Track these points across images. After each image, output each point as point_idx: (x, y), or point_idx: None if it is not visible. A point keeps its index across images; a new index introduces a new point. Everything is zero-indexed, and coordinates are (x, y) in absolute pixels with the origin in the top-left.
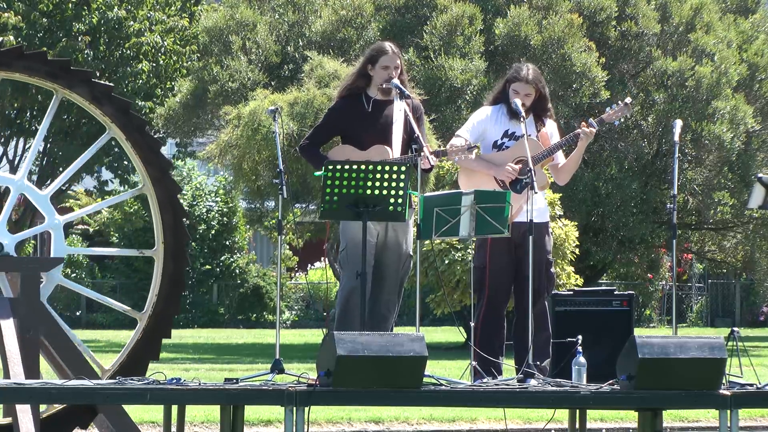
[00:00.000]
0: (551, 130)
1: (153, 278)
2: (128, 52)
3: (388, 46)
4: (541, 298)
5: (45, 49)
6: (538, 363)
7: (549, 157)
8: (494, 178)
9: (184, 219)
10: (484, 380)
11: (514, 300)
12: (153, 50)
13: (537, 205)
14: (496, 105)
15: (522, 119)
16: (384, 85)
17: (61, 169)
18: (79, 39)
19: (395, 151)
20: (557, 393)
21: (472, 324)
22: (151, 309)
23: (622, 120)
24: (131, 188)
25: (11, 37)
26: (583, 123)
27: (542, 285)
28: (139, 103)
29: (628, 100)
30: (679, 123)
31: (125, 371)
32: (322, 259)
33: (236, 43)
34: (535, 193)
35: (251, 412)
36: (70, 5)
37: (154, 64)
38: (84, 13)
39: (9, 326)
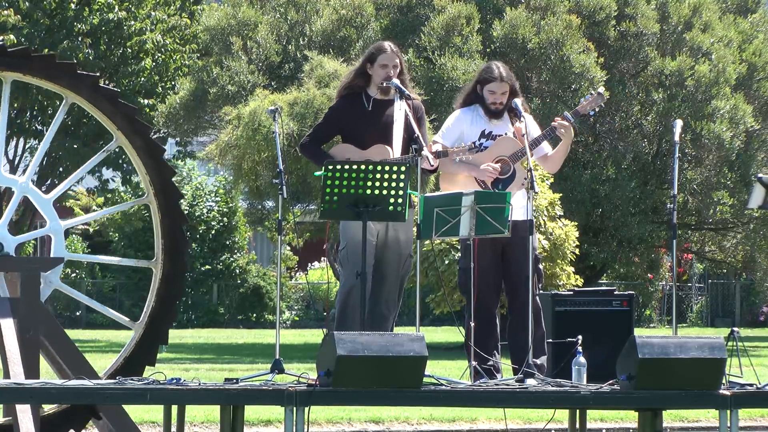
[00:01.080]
0: (528, 123)
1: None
2: (129, 51)
3: (387, 45)
4: (534, 296)
5: (46, 50)
6: (535, 360)
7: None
8: (475, 179)
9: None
10: (484, 380)
11: (507, 300)
12: (154, 49)
13: (520, 203)
14: (467, 107)
15: (522, 119)
16: (384, 84)
17: (61, 168)
18: (80, 40)
19: (395, 150)
20: (557, 393)
21: (472, 324)
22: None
23: (596, 110)
24: (132, 188)
25: (12, 36)
26: (558, 117)
27: (534, 282)
28: (142, 101)
29: (600, 89)
30: (679, 123)
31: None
32: (322, 259)
33: (237, 44)
34: (536, 193)
35: (251, 412)
36: (71, 5)
37: (155, 63)
38: (85, 14)
39: (9, 326)
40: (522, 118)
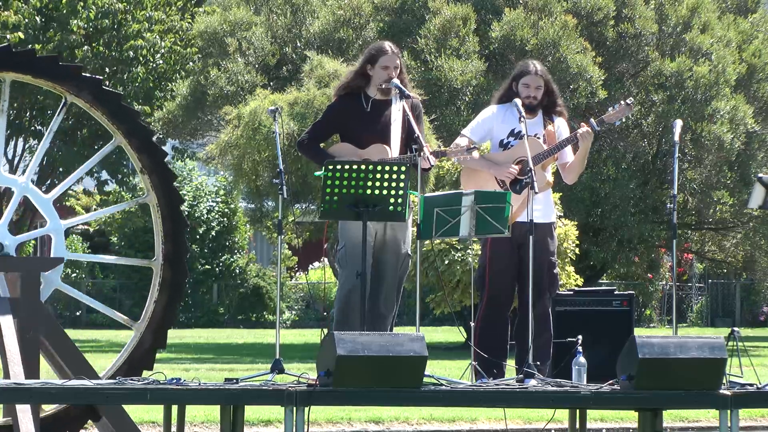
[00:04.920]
0: (561, 127)
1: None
2: (126, 53)
3: (388, 45)
4: (542, 299)
5: (39, 46)
6: (539, 364)
7: (550, 157)
8: (495, 178)
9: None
10: (484, 380)
11: (518, 300)
12: (150, 52)
13: (540, 205)
14: (503, 104)
15: (522, 119)
16: (384, 86)
17: (61, 169)
18: (78, 37)
19: (394, 150)
20: (557, 393)
21: (473, 324)
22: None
23: (623, 120)
24: (130, 190)
25: (20, 33)
26: (583, 123)
27: (543, 286)
28: (137, 107)
29: (629, 100)
30: (679, 123)
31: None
32: (323, 259)
33: (233, 45)
34: (536, 193)
35: (251, 412)
36: (64, 1)
37: (153, 65)
38: (80, 7)
39: (9, 326)
40: (522, 118)
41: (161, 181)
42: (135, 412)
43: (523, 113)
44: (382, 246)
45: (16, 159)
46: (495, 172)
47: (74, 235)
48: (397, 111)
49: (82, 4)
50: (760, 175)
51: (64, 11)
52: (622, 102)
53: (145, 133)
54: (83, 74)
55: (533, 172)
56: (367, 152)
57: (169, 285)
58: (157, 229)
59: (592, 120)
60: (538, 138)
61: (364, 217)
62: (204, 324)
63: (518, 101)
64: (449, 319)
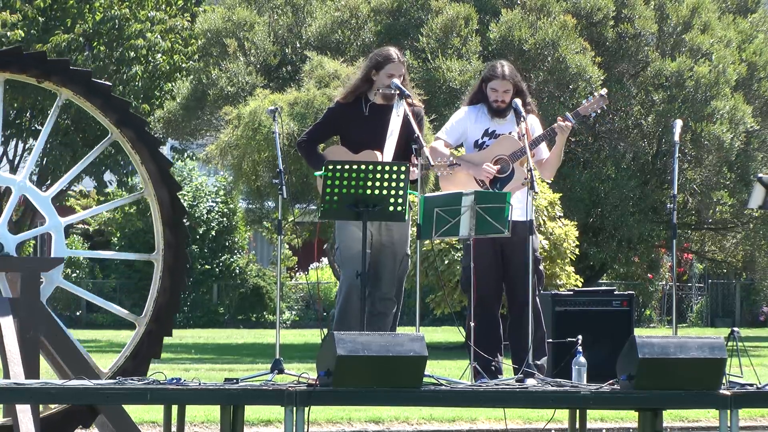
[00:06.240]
0: (533, 124)
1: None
2: (127, 53)
3: (394, 53)
4: (534, 297)
5: (39, 45)
6: (536, 362)
7: (528, 153)
8: (474, 178)
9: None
10: (484, 380)
11: (507, 300)
12: (150, 51)
13: (521, 204)
14: (474, 105)
15: (523, 119)
16: (382, 90)
17: (63, 168)
18: (78, 38)
19: (387, 157)
20: (557, 393)
21: (472, 324)
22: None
23: (599, 111)
24: (128, 191)
25: (20, 31)
26: (559, 117)
27: (534, 284)
28: (136, 105)
29: (603, 91)
30: (679, 123)
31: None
32: (322, 259)
33: (232, 45)
34: (536, 193)
35: (251, 412)
36: (72, 2)
37: (153, 64)
38: (86, 10)
39: (9, 326)
40: (522, 118)
41: (85, 92)
42: (135, 412)
43: (523, 113)
44: (380, 247)
45: (17, 159)
46: (474, 173)
47: (74, 235)
48: (396, 117)
49: (88, 7)
50: (760, 175)
51: (73, 11)
52: (596, 93)
53: (61, 66)
54: (72, 67)
55: (531, 171)
56: (357, 158)
57: (160, 177)
58: (102, 117)
59: (567, 113)
60: (512, 134)
61: (364, 217)
62: (204, 324)
63: (518, 101)
64: (449, 319)
